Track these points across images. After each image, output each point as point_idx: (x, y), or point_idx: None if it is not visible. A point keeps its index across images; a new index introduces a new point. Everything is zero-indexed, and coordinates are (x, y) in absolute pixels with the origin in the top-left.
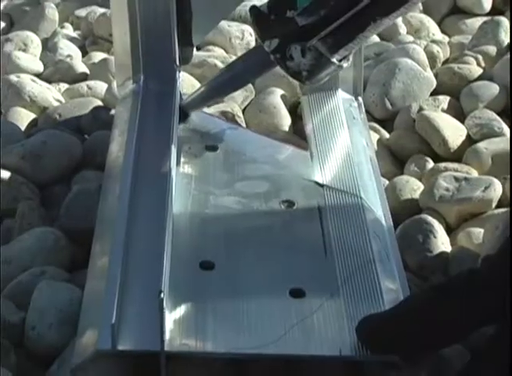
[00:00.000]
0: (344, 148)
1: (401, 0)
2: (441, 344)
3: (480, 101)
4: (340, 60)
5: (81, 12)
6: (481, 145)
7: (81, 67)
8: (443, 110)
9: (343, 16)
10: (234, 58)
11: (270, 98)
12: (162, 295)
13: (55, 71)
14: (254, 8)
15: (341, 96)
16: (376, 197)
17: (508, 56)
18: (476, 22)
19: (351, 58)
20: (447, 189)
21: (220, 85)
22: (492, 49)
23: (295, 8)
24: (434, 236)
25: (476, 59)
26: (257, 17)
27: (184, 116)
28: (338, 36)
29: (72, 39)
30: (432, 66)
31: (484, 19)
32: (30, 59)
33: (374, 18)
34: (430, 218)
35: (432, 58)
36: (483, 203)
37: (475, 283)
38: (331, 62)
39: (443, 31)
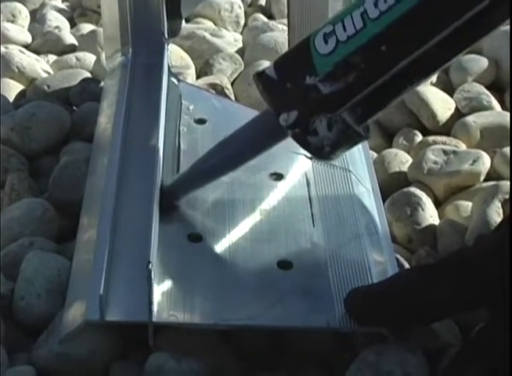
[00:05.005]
0: None
1: (442, 60)
2: (428, 320)
3: (469, 74)
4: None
5: None
6: (470, 118)
7: (69, 39)
8: (432, 84)
9: (376, 80)
10: (223, 31)
11: None
12: (150, 266)
13: (43, 43)
14: (261, 74)
15: None
16: (364, 170)
17: (498, 30)
18: None
19: (370, 126)
20: (435, 163)
21: (214, 167)
22: None
23: (315, 73)
24: (423, 209)
25: None
26: (267, 86)
27: (168, 205)
28: (370, 104)
29: (60, 10)
30: None
31: None
32: (19, 30)
33: (412, 80)
34: (418, 191)
35: None
36: (471, 176)
37: (467, 265)
38: (358, 133)
39: None
